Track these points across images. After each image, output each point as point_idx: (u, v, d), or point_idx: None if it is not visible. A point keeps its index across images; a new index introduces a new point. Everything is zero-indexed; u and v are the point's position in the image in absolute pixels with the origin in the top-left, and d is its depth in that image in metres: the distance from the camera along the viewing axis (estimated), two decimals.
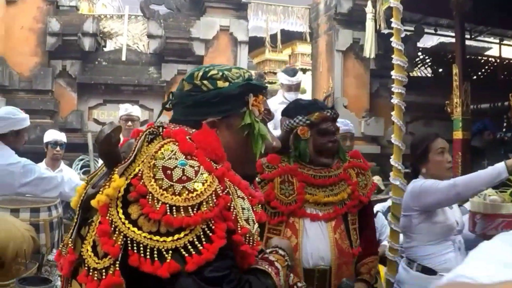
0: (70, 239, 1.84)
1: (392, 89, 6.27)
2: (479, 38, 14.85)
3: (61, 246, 1.98)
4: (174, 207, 1.65)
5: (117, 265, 1.65)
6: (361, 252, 3.55)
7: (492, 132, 9.58)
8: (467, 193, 3.86)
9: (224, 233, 1.68)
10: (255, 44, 12.41)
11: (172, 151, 1.75)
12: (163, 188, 1.66)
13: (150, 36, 10.72)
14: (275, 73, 13.53)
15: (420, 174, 4.27)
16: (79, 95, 10.36)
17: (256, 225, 1.88)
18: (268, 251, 2.14)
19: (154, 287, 1.65)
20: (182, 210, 1.65)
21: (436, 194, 3.91)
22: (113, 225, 1.68)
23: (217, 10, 10.77)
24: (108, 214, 1.70)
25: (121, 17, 11.63)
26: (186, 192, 1.66)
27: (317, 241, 3.35)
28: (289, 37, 13.08)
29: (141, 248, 1.63)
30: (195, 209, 1.66)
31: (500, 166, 3.68)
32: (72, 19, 10.35)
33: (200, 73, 1.99)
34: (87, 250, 1.74)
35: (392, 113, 6.49)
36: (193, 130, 1.91)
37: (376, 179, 4.57)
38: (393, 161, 5.68)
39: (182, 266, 1.62)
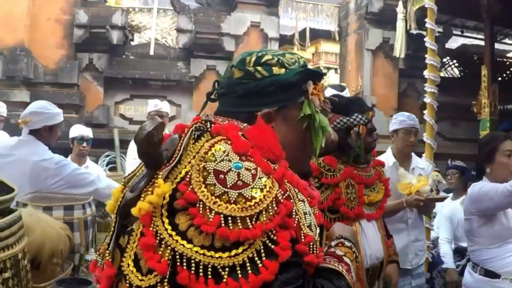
0: (108, 250, 1.66)
1: (425, 88, 6.41)
2: (503, 40, 15.00)
3: (96, 255, 1.81)
4: (229, 218, 1.48)
5: (165, 284, 1.49)
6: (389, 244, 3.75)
7: None
8: None
9: (288, 243, 1.52)
10: (282, 41, 12.50)
11: (224, 151, 1.58)
12: (215, 195, 1.50)
13: (179, 30, 10.70)
14: None
15: (484, 174, 4.26)
16: (105, 89, 10.28)
17: (318, 230, 1.75)
18: (333, 243, 1.96)
19: None
20: (239, 221, 1.48)
21: (494, 199, 3.91)
22: (158, 237, 1.51)
23: (248, 5, 10.81)
24: (152, 225, 1.53)
25: (149, 11, 11.64)
26: (243, 200, 1.50)
27: (373, 240, 3.41)
28: (315, 35, 13.18)
29: (193, 265, 1.47)
30: (253, 219, 1.49)
31: None
32: (100, 11, 10.33)
33: (253, 58, 1.81)
34: (128, 264, 1.57)
35: (425, 112, 6.62)
36: (245, 124, 1.74)
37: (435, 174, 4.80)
38: (425, 159, 5.97)
39: (240, 285, 1.46)
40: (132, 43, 11.46)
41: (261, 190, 1.53)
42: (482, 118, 9.03)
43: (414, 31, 9.77)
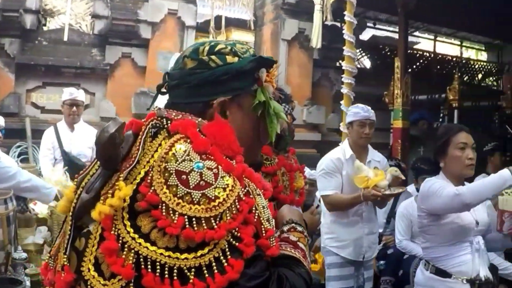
0: (65, 255, 1.65)
1: (342, 79, 6.75)
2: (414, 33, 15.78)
3: (47, 258, 1.82)
4: (194, 219, 1.50)
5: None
6: None
7: (428, 122, 10.38)
8: (474, 202, 3.74)
9: (251, 238, 1.55)
10: (197, 29, 12.65)
11: (185, 151, 1.59)
12: (178, 196, 1.51)
13: (95, 16, 10.68)
14: None
15: (440, 169, 4.16)
16: (17, 76, 10.01)
17: (273, 222, 1.74)
18: (285, 228, 2.00)
19: None
20: (203, 221, 1.50)
21: (440, 200, 3.86)
22: (120, 241, 1.52)
23: None
24: (113, 228, 1.54)
25: None
26: (207, 201, 1.52)
27: None
28: (231, 24, 13.42)
29: (158, 267, 1.48)
30: (218, 219, 1.51)
31: (506, 174, 3.64)
32: None
33: (207, 48, 1.82)
34: (89, 269, 1.57)
35: (342, 102, 6.99)
36: (200, 119, 1.75)
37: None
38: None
39: (207, 285, 1.49)
40: (46, 28, 11.18)
41: (224, 189, 1.55)
42: (394, 108, 9.55)
43: (329, 23, 10.18)
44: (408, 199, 6.83)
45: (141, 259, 1.49)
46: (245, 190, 1.61)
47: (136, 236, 1.50)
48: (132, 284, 1.50)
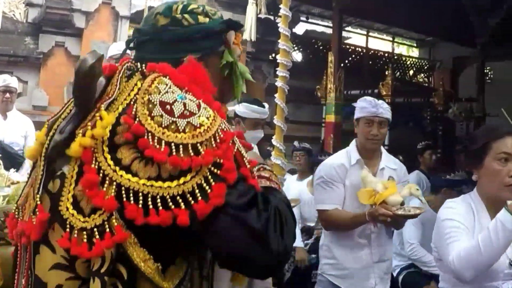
0: (37, 195, 1.70)
1: (277, 73, 7.17)
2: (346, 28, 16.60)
3: (14, 208, 1.85)
4: (181, 146, 1.57)
5: (114, 220, 1.57)
6: None
7: None
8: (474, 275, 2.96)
9: (233, 164, 1.62)
10: (131, 20, 13.00)
11: (167, 84, 1.69)
12: (164, 125, 1.58)
13: (29, 4, 10.88)
14: None
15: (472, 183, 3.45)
16: None
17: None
18: (254, 169, 2.00)
19: (166, 238, 1.60)
20: (190, 148, 1.57)
21: (442, 251, 3.22)
22: (101, 174, 1.58)
23: None
24: (94, 161, 1.59)
25: None
26: (192, 128, 1.59)
27: None
28: None
29: (141, 197, 1.55)
30: (203, 145, 1.59)
31: (507, 219, 2.78)
32: None
33: (180, 6, 1.90)
34: (67, 208, 1.62)
35: (276, 95, 7.45)
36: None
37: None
38: (275, 141, 5.67)
39: (193, 210, 1.55)
40: None
41: (208, 118, 1.63)
42: (327, 102, 10.02)
43: (263, 16, 10.76)
44: (299, 183, 7.39)
45: (123, 191, 1.55)
46: (225, 123, 1.70)
47: (117, 168, 1.57)
48: (114, 216, 1.56)
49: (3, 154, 5.94)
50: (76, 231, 1.59)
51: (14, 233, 1.78)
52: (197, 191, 1.55)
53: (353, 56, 16.52)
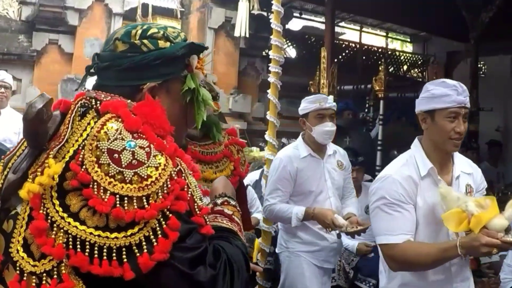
0: None
1: (270, 68, 7.17)
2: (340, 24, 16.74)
3: None
4: (125, 198, 1.56)
5: (62, 268, 1.57)
6: None
7: (353, 112, 11.13)
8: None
9: (177, 222, 1.61)
10: (124, 17, 13.02)
11: (117, 129, 1.64)
12: (110, 175, 1.57)
13: (22, 2, 11.01)
14: None
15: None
16: None
17: (206, 201, 1.86)
18: (219, 201, 2.08)
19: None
20: (135, 200, 1.56)
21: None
22: (49, 220, 1.58)
23: None
24: (42, 207, 1.59)
25: None
26: (139, 179, 1.58)
27: None
28: (158, 12, 13.88)
29: (87, 246, 1.54)
30: (149, 198, 1.58)
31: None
32: None
33: (139, 31, 1.87)
34: (18, 250, 1.63)
35: (268, 91, 7.34)
36: (129, 101, 1.81)
37: None
38: (268, 136, 5.96)
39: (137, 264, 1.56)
40: None
41: (156, 168, 1.61)
42: None
43: (256, 12, 10.81)
44: None
45: (71, 239, 1.55)
46: (177, 169, 1.67)
47: (65, 215, 1.57)
48: (63, 263, 1.57)
49: None
50: (26, 275, 1.60)
51: None
52: (144, 243, 1.56)
53: (347, 51, 16.56)
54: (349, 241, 6.76)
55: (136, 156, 1.60)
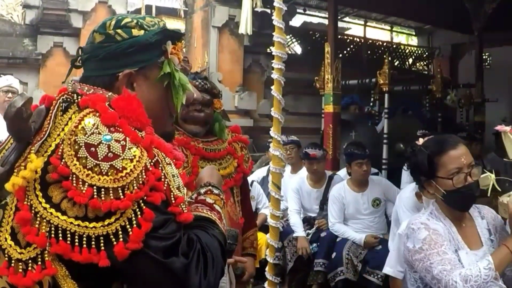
0: None
1: (273, 65, 7.20)
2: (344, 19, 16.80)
3: None
4: (102, 189, 1.64)
5: (46, 255, 1.67)
6: (242, 225, 3.84)
7: (359, 106, 11.16)
8: None
9: (151, 212, 1.69)
10: None
11: (94, 124, 1.72)
12: (88, 167, 1.65)
13: (26, 6, 11.17)
14: None
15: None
16: None
17: (185, 190, 1.91)
18: (202, 191, 2.13)
19: (94, 274, 1.69)
20: (111, 192, 1.64)
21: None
22: (33, 211, 1.67)
23: None
24: (26, 199, 1.69)
25: None
26: (115, 172, 1.66)
27: None
28: (162, 12, 13.98)
29: (68, 235, 1.64)
30: (125, 189, 1.66)
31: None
32: None
33: (113, 22, 1.95)
34: (6, 238, 1.73)
35: (272, 87, 7.45)
36: (110, 93, 1.89)
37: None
38: (272, 133, 5.64)
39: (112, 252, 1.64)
40: None
41: (131, 160, 1.69)
42: (325, 93, 9.92)
43: (259, 9, 10.85)
44: (340, 183, 7.41)
45: (53, 228, 1.65)
46: (154, 161, 1.76)
47: (48, 206, 1.66)
48: (47, 251, 1.67)
49: None
50: (13, 261, 1.70)
51: None
52: (120, 232, 1.65)
53: (351, 46, 16.56)
54: (356, 235, 6.91)
55: (111, 149, 1.68)
